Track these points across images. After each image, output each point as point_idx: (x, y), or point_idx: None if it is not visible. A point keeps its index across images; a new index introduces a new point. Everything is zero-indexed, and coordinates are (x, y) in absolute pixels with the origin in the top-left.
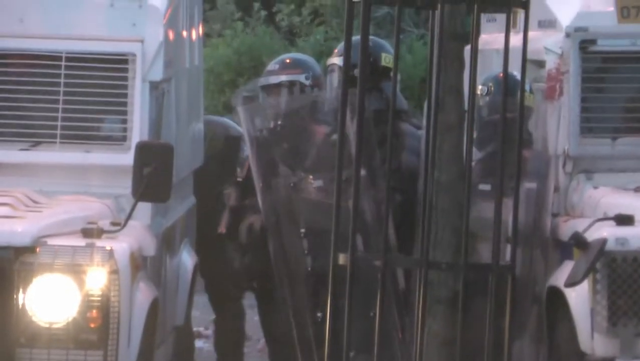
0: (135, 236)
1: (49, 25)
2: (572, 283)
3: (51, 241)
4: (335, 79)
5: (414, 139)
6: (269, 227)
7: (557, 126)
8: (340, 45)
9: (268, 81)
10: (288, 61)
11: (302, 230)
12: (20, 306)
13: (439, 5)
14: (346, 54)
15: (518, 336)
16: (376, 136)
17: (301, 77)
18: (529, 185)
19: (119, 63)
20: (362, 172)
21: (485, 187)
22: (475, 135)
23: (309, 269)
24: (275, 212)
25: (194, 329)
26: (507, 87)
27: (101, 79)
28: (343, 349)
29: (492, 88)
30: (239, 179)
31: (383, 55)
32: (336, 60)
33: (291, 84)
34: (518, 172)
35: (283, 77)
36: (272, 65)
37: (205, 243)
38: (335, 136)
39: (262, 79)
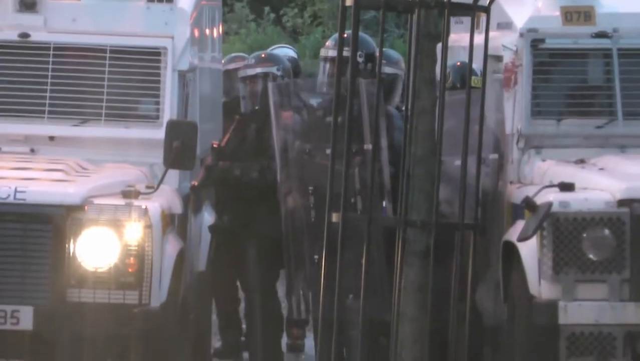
0: (165, 198)
1: (96, 24)
2: (523, 238)
3: (97, 201)
4: (327, 67)
5: (400, 120)
6: (283, 184)
7: (512, 109)
8: (332, 39)
9: (246, 73)
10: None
11: (311, 188)
12: (71, 254)
13: (416, 10)
14: (339, 50)
15: (480, 283)
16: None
17: (273, 69)
18: (490, 156)
19: (153, 55)
20: (368, 146)
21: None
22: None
23: (313, 220)
24: (289, 171)
25: None
26: (470, 75)
27: (138, 68)
28: (335, 293)
29: (450, 74)
30: (215, 145)
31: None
32: (330, 52)
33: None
34: (479, 145)
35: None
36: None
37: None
38: (328, 119)
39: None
